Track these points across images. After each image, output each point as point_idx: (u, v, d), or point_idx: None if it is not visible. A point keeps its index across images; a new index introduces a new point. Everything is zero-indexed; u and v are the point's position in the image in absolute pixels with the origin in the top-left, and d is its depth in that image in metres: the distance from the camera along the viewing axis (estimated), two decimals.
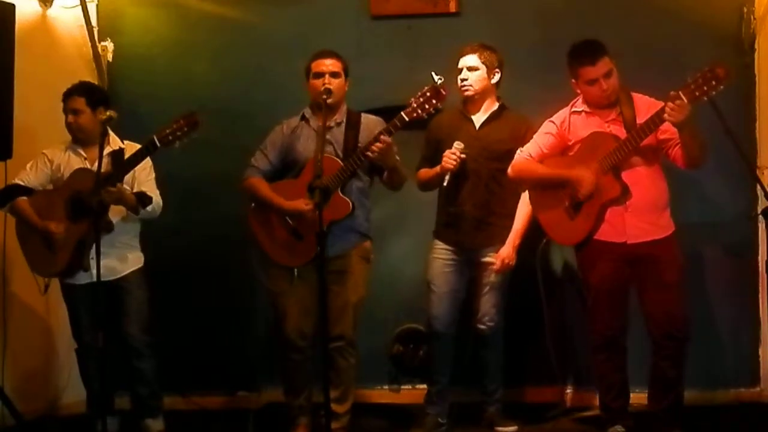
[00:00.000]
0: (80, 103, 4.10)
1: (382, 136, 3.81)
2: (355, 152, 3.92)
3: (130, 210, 4.07)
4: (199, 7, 4.95)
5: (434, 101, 3.80)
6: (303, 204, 3.90)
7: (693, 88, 3.48)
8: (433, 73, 3.81)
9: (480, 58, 4.10)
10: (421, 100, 3.80)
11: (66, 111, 4.13)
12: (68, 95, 4.13)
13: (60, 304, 4.33)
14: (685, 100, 3.49)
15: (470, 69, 4.11)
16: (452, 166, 4.01)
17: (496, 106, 4.19)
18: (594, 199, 3.83)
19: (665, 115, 3.56)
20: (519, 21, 4.75)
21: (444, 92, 3.81)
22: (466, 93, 4.12)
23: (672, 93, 3.52)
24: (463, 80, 4.10)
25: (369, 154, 3.83)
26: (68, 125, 4.14)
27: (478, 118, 4.18)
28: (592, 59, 3.76)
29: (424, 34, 4.76)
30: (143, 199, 4.08)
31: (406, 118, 3.81)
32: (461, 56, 4.13)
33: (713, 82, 3.44)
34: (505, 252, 4.12)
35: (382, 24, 4.86)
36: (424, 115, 3.83)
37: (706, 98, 3.46)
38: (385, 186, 4.13)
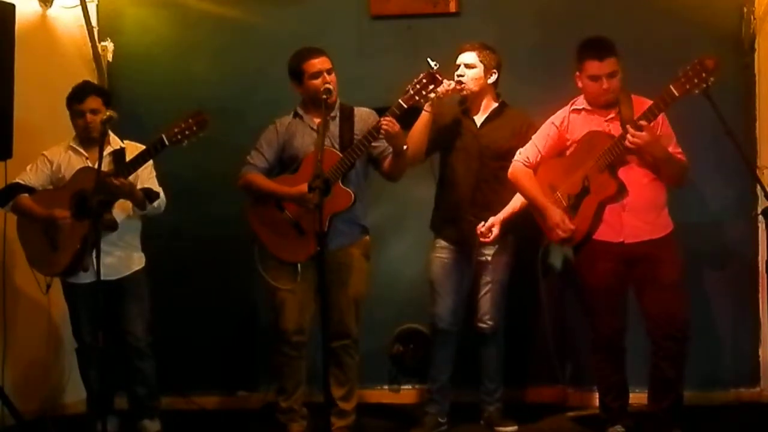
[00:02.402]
0: (99, 103, 4.10)
1: (387, 116, 3.80)
2: (352, 143, 3.92)
3: (137, 205, 4.08)
4: (199, 7, 4.95)
5: (431, 87, 3.80)
6: (306, 188, 3.85)
7: (683, 81, 3.51)
8: (429, 59, 3.82)
9: (478, 57, 4.10)
10: (418, 86, 3.81)
11: (82, 111, 4.09)
12: (85, 95, 4.10)
13: (61, 304, 4.34)
14: (644, 131, 3.57)
15: (467, 66, 4.10)
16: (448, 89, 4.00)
17: (495, 104, 4.20)
18: (590, 197, 3.83)
19: (627, 144, 3.62)
20: (519, 21, 4.75)
21: (440, 78, 3.82)
22: (462, 92, 4.11)
23: (635, 119, 3.62)
24: (459, 76, 4.10)
25: (385, 128, 3.78)
26: (85, 125, 4.10)
27: (479, 118, 4.19)
28: (600, 55, 3.77)
29: (424, 34, 4.76)
30: (150, 194, 4.10)
31: (404, 105, 3.82)
32: (460, 53, 4.13)
33: (703, 74, 3.47)
34: (493, 220, 4.10)
35: (382, 24, 4.86)
36: (421, 101, 3.85)
37: (697, 91, 3.50)
38: (386, 175, 4.11)
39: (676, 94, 3.54)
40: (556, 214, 3.88)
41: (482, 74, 4.12)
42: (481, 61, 4.11)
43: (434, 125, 4.12)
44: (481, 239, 4.10)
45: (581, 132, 3.89)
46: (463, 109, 4.21)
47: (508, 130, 4.16)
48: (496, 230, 4.10)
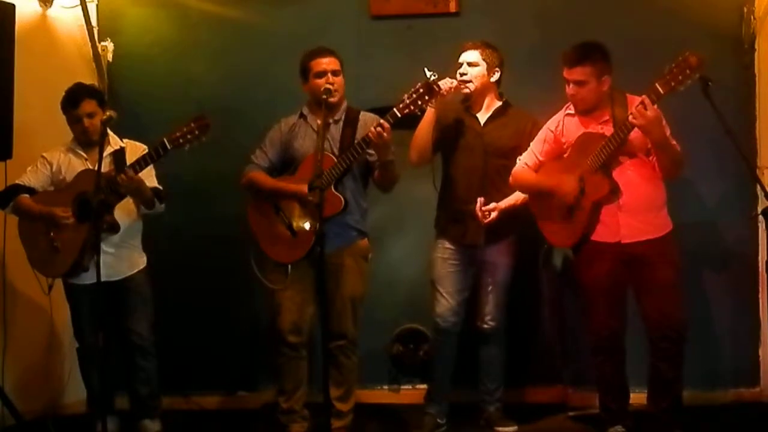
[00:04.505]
0: (94, 105, 4.08)
1: (381, 121, 3.80)
2: (349, 149, 3.92)
3: (145, 203, 4.07)
4: (199, 7, 4.95)
5: (427, 97, 3.81)
6: (304, 188, 3.90)
7: (668, 78, 3.52)
8: (426, 69, 3.83)
9: (481, 55, 4.10)
10: (414, 96, 3.81)
11: (79, 116, 4.07)
12: (80, 99, 4.07)
13: (61, 304, 4.34)
14: (648, 110, 3.55)
15: (470, 65, 4.10)
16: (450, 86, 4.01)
17: (498, 103, 4.20)
18: (585, 198, 3.84)
19: (631, 119, 3.60)
20: (519, 21, 4.75)
21: (437, 88, 3.82)
22: (465, 90, 4.11)
23: (641, 98, 3.59)
24: (462, 74, 4.09)
25: (370, 136, 3.79)
26: (84, 129, 4.09)
27: (482, 116, 4.18)
28: (571, 63, 3.80)
29: (424, 34, 4.76)
30: (159, 193, 4.10)
31: (399, 114, 3.82)
32: (462, 51, 4.12)
33: (687, 71, 3.47)
34: (495, 205, 4.09)
35: (382, 24, 4.86)
36: (416, 110, 3.84)
37: (681, 87, 3.50)
38: (376, 185, 4.12)
39: (662, 91, 3.55)
40: (564, 183, 3.86)
41: (485, 72, 4.12)
42: (484, 60, 4.10)
43: (437, 125, 4.12)
44: (480, 217, 4.08)
45: (576, 135, 3.90)
46: (466, 107, 4.21)
47: (511, 128, 4.16)
48: (494, 215, 4.08)
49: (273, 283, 4.06)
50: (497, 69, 4.15)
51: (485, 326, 4.23)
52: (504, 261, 4.21)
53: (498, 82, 4.19)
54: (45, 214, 4.05)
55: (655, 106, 3.60)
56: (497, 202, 4.12)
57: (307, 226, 3.98)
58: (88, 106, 4.08)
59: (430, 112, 4.03)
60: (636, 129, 3.69)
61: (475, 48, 4.12)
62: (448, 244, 4.21)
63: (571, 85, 3.81)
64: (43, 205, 4.08)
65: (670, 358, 3.81)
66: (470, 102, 4.19)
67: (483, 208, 4.08)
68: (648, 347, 3.87)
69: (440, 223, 4.27)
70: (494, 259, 4.19)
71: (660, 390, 3.87)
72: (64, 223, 4.00)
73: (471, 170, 4.15)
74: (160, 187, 4.17)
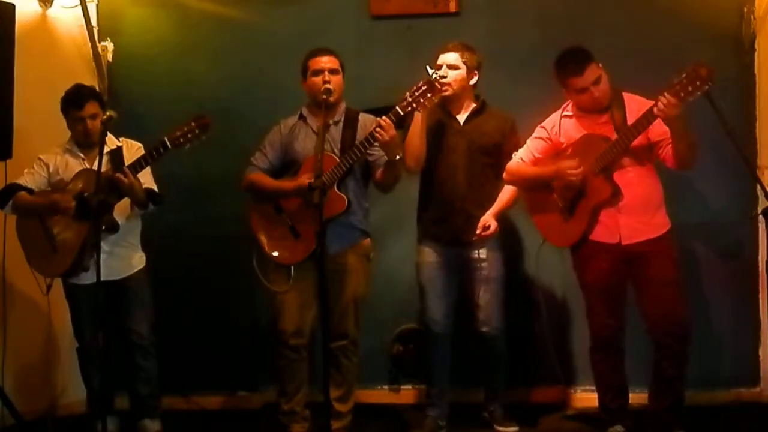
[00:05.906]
0: (96, 106, 4.09)
1: (382, 118, 3.79)
2: (351, 149, 3.92)
3: (138, 203, 4.06)
4: (199, 7, 4.95)
5: (429, 95, 3.80)
6: (305, 180, 3.87)
7: (678, 89, 3.50)
8: (428, 67, 3.82)
9: (462, 58, 4.09)
10: (417, 93, 3.80)
11: (83, 117, 4.07)
12: (84, 101, 4.07)
13: (60, 304, 4.33)
14: (679, 102, 3.51)
15: (450, 67, 4.08)
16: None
17: (475, 104, 4.18)
18: (585, 200, 3.83)
19: (656, 111, 3.57)
20: (519, 21, 4.75)
21: (439, 86, 3.82)
22: (445, 92, 4.07)
23: (660, 95, 3.56)
24: (442, 77, 4.05)
25: (377, 136, 3.78)
26: (86, 130, 4.09)
27: (461, 117, 4.17)
28: (579, 69, 3.75)
29: (424, 34, 4.75)
30: (153, 196, 4.09)
31: (401, 112, 3.81)
32: (442, 53, 4.11)
33: (697, 83, 3.46)
34: (486, 217, 4.10)
35: (382, 24, 4.86)
36: (418, 108, 3.83)
37: (691, 99, 3.48)
38: (377, 186, 4.11)
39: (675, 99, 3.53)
40: (563, 163, 3.83)
41: (465, 75, 4.11)
42: (464, 62, 4.09)
43: None
44: (482, 236, 4.08)
45: (575, 136, 3.89)
46: (444, 109, 4.17)
47: (492, 126, 4.15)
48: (493, 225, 4.09)
49: (275, 284, 4.06)
50: (476, 72, 4.13)
51: (488, 330, 4.19)
52: (495, 256, 4.18)
53: (475, 84, 4.17)
54: (46, 204, 4.04)
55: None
56: (483, 200, 4.12)
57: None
58: (92, 107, 4.08)
59: (418, 118, 3.97)
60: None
61: (455, 51, 4.10)
62: (433, 247, 4.18)
63: (591, 88, 3.75)
64: (44, 216, 4.06)
65: (674, 355, 3.81)
66: (448, 104, 4.17)
67: (479, 230, 4.08)
68: (648, 347, 3.87)
69: (424, 226, 4.24)
70: (485, 255, 4.17)
71: (663, 388, 3.87)
72: (66, 210, 3.98)
73: (456, 169, 4.13)
74: (157, 190, 4.16)
